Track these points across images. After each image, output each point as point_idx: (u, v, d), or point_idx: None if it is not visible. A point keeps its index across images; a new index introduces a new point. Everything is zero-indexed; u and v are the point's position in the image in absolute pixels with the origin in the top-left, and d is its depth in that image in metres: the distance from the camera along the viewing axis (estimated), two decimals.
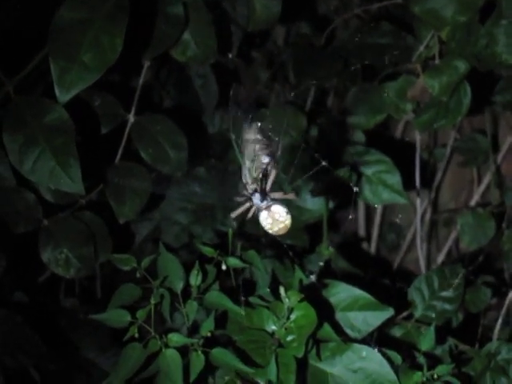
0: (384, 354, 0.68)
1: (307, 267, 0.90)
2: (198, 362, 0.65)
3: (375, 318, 0.71)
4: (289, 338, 0.65)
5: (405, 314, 0.83)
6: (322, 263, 0.86)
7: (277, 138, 0.59)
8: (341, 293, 0.71)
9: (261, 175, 0.58)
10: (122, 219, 0.86)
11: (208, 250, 0.71)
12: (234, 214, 0.60)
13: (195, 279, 0.69)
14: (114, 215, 0.85)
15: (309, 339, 0.65)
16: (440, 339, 0.77)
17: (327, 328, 0.66)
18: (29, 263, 0.90)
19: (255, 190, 0.58)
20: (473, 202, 1.17)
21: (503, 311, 0.93)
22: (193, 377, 0.64)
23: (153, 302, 0.68)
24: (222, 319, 0.69)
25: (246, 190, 0.59)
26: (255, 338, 0.66)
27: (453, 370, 0.72)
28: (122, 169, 0.87)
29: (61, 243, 0.85)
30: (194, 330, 0.69)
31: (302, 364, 0.66)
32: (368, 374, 0.67)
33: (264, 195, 0.58)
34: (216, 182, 1.01)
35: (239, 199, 0.59)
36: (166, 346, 0.65)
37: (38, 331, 0.89)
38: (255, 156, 0.59)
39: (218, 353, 0.65)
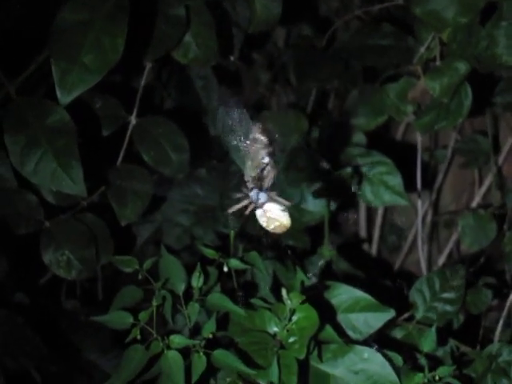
0: (385, 356, 0.68)
1: (308, 268, 0.90)
2: (199, 363, 0.65)
3: (376, 320, 0.71)
4: (291, 340, 0.65)
5: (406, 315, 0.83)
6: (322, 263, 0.86)
7: (277, 139, 0.59)
8: (342, 294, 0.71)
9: (260, 174, 0.59)
10: (123, 221, 0.86)
11: (209, 252, 0.72)
12: (231, 210, 0.60)
13: (197, 281, 0.69)
14: (116, 217, 0.85)
15: (310, 341, 0.65)
16: (441, 341, 0.77)
17: (329, 330, 0.66)
18: (30, 265, 0.90)
19: (253, 188, 0.59)
20: (474, 204, 1.17)
21: (504, 313, 0.93)
22: (195, 378, 0.64)
23: (155, 303, 0.68)
24: (223, 321, 0.69)
25: (246, 187, 0.59)
26: (257, 340, 0.66)
27: (454, 372, 0.72)
28: (124, 171, 0.87)
29: (62, 245, 0.85)
30: (195, 331, 0.69)
31: (304, 365, 0.66)
32: (369, 375, 0.67)
33: (261, 193, 0.58)
34: (217, 184, 1.01)
35: (238, 195, 0.60)
36: (168, 347, 0.66)
37: (40, 333, 0.89)
38: (255, 155, 0.59)
39: (219, 354, 0.65)
